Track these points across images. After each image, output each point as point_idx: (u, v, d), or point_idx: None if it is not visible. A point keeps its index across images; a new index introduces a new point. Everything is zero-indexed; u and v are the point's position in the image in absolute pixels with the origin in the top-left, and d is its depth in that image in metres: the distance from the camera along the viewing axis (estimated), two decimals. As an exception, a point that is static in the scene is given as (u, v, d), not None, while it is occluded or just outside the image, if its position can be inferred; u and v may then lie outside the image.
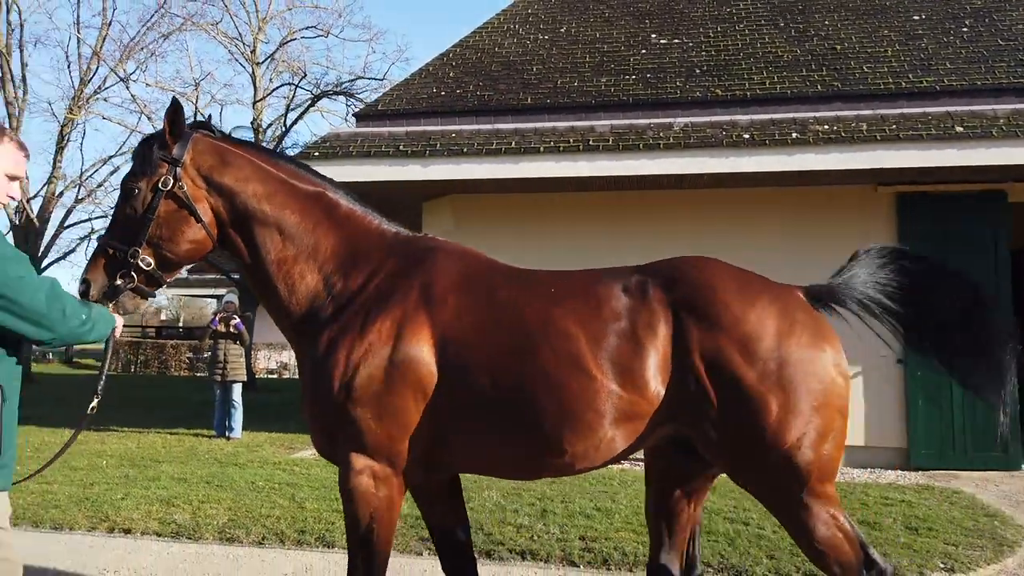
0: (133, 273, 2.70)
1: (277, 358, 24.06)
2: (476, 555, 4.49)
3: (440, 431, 2.64)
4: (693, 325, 2.54)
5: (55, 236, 20.71)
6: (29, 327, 2.29)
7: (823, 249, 6.43)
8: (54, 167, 20.57)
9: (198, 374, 24.42)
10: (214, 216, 2.82)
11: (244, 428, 9.79)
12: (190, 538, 4.98)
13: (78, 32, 20.55)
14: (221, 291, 31.73)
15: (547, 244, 8.39)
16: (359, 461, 2.62)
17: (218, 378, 9.87)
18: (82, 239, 21.68)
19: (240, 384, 9.96)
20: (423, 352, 2.61)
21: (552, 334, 2.59)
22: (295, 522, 5.26)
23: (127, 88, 19.81)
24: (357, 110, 10.99)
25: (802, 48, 9.36)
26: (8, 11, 19.82)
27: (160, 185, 2.72)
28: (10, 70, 19.85)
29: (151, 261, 2.71)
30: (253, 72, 20.07)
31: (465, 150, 8.07)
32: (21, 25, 20.10)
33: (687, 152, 7.67)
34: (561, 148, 7.88)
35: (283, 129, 19.97)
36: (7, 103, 19.97)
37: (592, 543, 4.73)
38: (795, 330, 2.54)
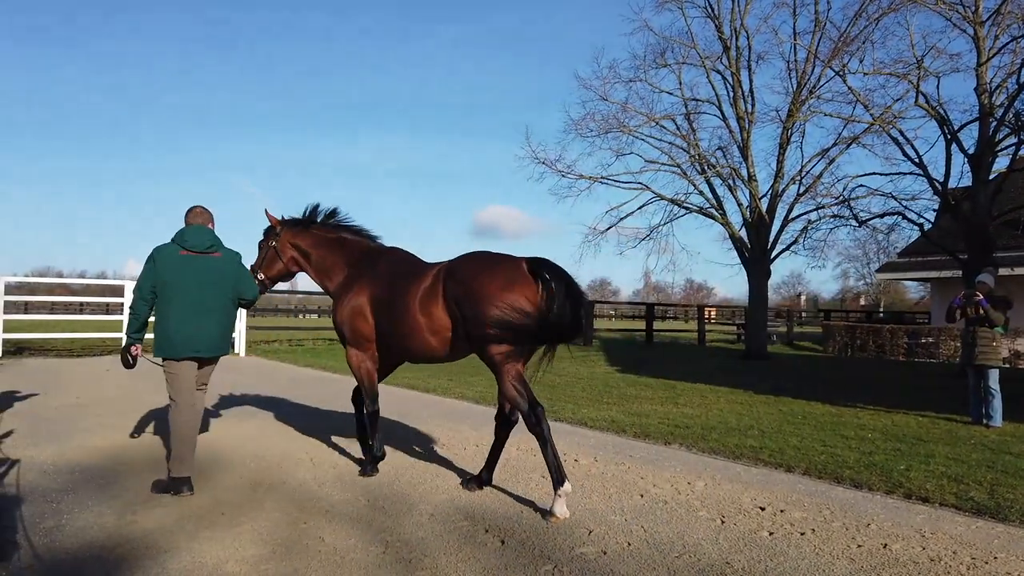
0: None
1: (1010, 345, 21.39)
2: None
3: (377, 339, 5.75)
4: (450, 283, 5.13)
5: (781, 230, 23.00)
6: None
7: None
8: (778, 167, 22.88)
9: (915, 359, 23.73)
10: (292, 257, 6.34)
11: (1004, 417, 9.14)
12: (993, 517, 4.99)
13: (795, 40, 22.37)
14: (934, 274, 29.97)
15: None
16: (349, 349, 5.93)
17: (972, 362, 9.49)
18: (801, 231, 23.28)
19: (996, 371, 9.33)
20: (364, 304, 5.73)
21: (402, 293, 5.39)
22: (1119, 524, 4.72)
23: (844, 81, 20.53)
24: None
25: None
26: (737, 37, 22.96)
27: (270, 244, 6.36)
28: (740, 88, 22.96)
29: (263, 276, 6.35)
30: (975, 34, 18.34)
31: None
32: (749, 47, 22.95)
33: None
34: None
35: (1014, 88, 17.63)
36: (738, 118, 23.13)
37: None
38: (496, 278, 4.91)
